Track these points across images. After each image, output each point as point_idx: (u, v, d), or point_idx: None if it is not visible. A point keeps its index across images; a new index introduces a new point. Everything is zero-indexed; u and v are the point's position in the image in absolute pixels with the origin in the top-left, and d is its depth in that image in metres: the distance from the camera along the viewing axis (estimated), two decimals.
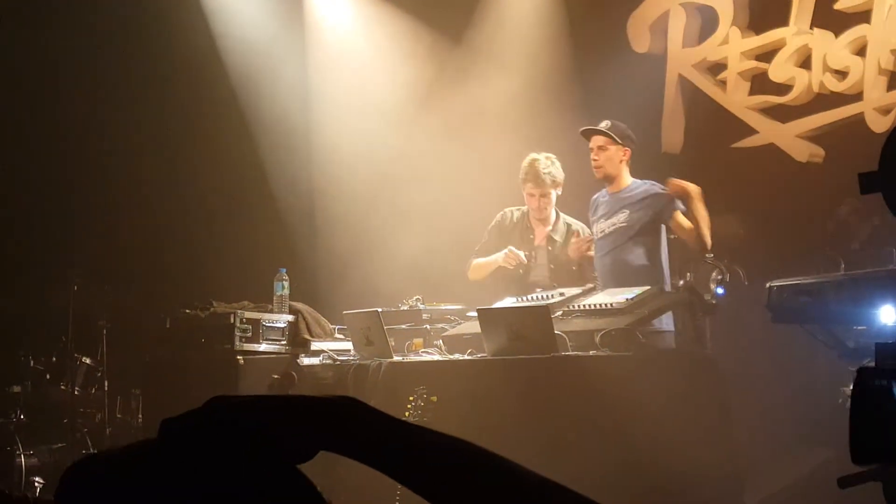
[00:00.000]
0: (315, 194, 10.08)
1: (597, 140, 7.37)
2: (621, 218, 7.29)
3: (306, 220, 10.01)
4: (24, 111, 9.69)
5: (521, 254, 7.51)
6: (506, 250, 7.52)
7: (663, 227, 7.25)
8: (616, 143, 7.32)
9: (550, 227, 7.75)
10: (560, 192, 7.70)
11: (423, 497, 1.21)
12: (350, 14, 10.25)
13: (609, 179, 7.41)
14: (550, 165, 7.61)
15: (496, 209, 7.97)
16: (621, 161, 7.36)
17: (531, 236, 7.76)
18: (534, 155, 7.65)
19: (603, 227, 7.39)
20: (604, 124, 7.39)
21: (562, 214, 7.80)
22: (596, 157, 7.36)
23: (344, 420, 1.22)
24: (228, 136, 9.94)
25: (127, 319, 8.88)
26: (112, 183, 9.85)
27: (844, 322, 5.41)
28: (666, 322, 6.95)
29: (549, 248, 7.69)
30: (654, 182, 7.34)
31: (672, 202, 7.13)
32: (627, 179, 7.39)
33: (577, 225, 7.79)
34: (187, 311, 7.54)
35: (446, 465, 1.22)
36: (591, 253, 7.43)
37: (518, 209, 7.86)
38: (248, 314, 7.27)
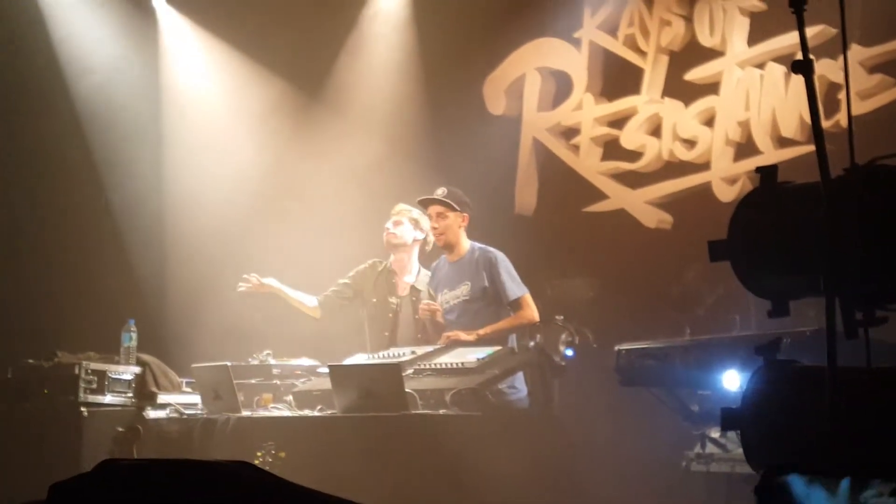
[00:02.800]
0: (166, 244, 9.91)
1: (435, 208, 7.43)
2: (464, 291, 7.36)
3: (156, 270, 9.83)
4: None
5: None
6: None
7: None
8: (454, 209, 7.40)
9: (413, 278, 7.71)
10: (419, 238, 7.63)
11: None
12: (205, 61, 10.14)
13: (449, 248, 7.48)
14: (420, 214, 7.59)
15: (348, 265, 7.95)
16: (460, 227, 7.44)
17: (394, 280, 7.72)
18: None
19: (447, 297, 7.44)
20: (440, 192, 7.46)
21: (423, 269, 7.74)
22: (436, 225, 7.43)
23: (240, 486, 1.20)
24: (75, 178, 9.68)
25: None
26: None
27: (689, 386, 5.52)
28: (518, 384, 7.00)
29: (413, 298, 7.62)
30: (484, 246, 7.41)
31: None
32: (465, 245, 7.47)
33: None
34: (30, 360, 7.37)
35: None
36: (441, 319, 7.39)
37: (384, 261, 7.78)
38: (94, 365, 7.15)
